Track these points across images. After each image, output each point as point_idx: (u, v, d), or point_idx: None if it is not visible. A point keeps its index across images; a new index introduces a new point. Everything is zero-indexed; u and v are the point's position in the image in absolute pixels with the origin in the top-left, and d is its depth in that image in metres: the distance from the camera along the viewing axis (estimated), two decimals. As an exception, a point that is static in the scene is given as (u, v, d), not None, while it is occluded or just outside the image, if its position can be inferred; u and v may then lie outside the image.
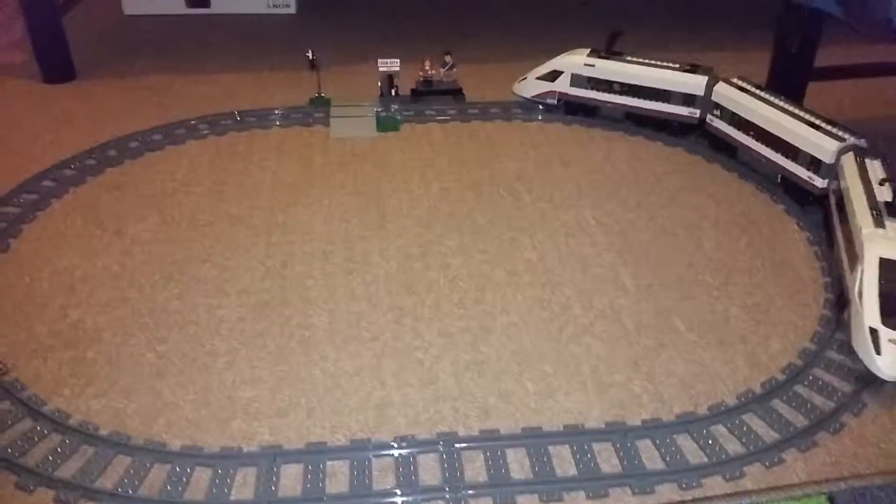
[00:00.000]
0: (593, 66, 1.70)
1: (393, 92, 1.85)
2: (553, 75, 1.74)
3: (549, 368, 1.10)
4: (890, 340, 1.04)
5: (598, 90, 1.72)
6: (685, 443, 1.00)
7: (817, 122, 1.44)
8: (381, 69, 1.84)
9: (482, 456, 0.97)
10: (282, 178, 1.57)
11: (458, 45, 1.92)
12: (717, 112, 1.59)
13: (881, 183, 1.27)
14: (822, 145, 1.39)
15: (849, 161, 1.34)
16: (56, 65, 1.97)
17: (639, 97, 1.68)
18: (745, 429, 1.02)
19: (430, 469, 0.96)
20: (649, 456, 0.98)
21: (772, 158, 1.49)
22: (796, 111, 1.48)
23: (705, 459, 0.98)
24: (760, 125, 1.50)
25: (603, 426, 1.01)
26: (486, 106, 1.83)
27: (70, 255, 1.33)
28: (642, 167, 1.60)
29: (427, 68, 1.86)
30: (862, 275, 1.10)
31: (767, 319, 1.21)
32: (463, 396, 1.06)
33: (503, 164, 1.61)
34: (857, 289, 1.10)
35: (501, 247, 1.36)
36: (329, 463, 0.97)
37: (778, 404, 1.06)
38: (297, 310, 1.22)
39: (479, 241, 1.38)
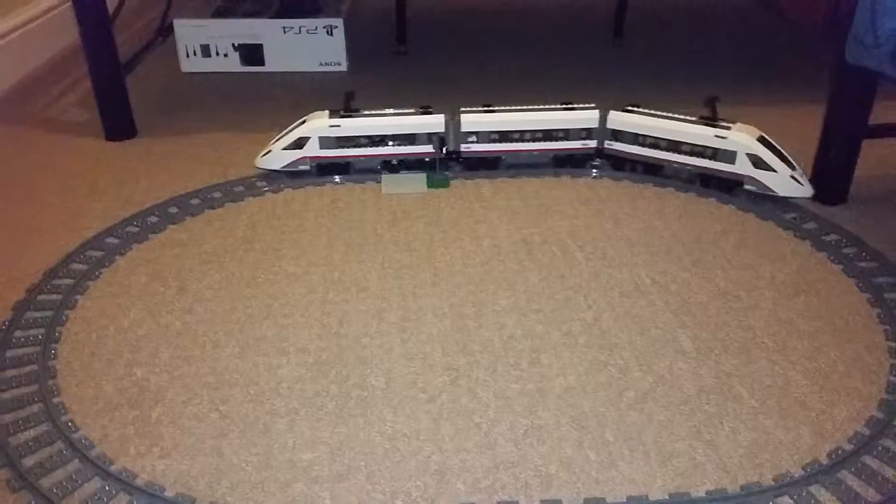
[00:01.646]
0: (339, 126, 1.78)
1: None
2: (300, 142, 1.79)
3: (610, 436, 1.09)
4: None
5: (348, 147, 1.80)
6: (752, 515, 0.98)
7: (717, 122, 1.69)
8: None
9: (544, 526, 0.97)
10: (336, 234, 1.61)
11: (503, 100, 1.95)
12: (617, 137, 1.76)
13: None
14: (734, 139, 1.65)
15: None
16: (118, 122, 2.06)
17: (393, 144, 1.81)
18: (812, 502, 0.99)
19: (491, 538, 0.96)
20: None
21: (688, 162, 1.71)
22: (694, 119, 1.72)
23: None
24: (670, 137, 1.71)
25: (667, 497, 1.00)
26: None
27: (134, 312, 1.37)
28: (695, 225, 1.60)
29: (477, 125, 1.90)
30: None
31: (830, 385, 1.19)
32: (523, 463, 1.06)
33: (554, 221, 1.63)
34: None
35: (555, 306, 1.37)
36: (391, 530, 0.97)
37: (846, 476, 1.03)
38: (353, 370, 1.24)
39: (533, 300, 1.39)
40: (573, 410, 1.14)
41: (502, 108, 1.81)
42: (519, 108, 1.80)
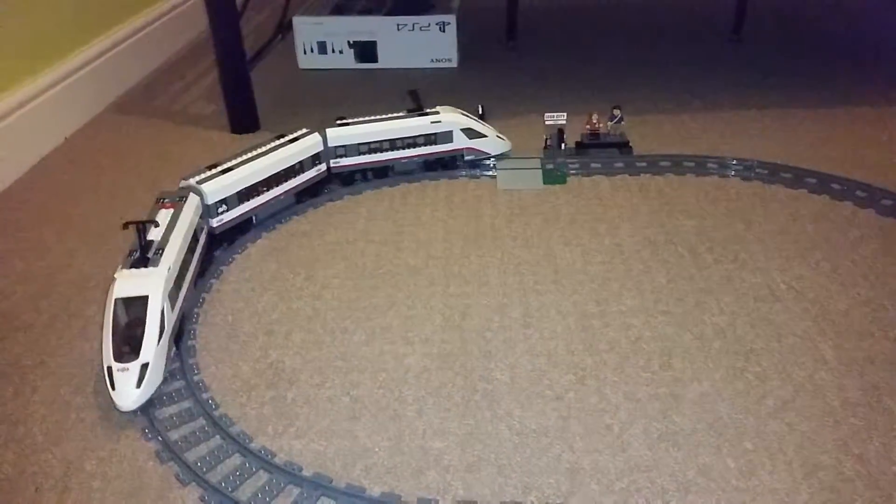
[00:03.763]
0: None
1: (562, 146, 1.87)
2: None
3: (750, 444, 1.05)
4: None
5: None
6: (909, 538, 0.92)
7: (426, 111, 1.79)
8: (547, 122, 1.87)
9: (684, 532, 0.94)
10: (454, 229, 1.62)
11: (619, 97, 1.92)
12: (342, 152, 1.74)
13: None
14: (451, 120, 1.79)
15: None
16: (243, 116, 2.14)
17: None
18: (979, 528, 0.93)
19: (628, 541, 0.94)
20: None
21: (416, 154, 1.79)
22: (404, 114, 1.78)
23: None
24: (393, 137, 1.76)
25: (815, 511, 0.95)
26: (654, 159, 1.81)
27: (267, 296, 1.42)
28: (832, 229, 1.52)
29: (594, 121, 1.87)
30: None
31: None
32: (658, 468, 1.03)
33: (679, 221, 1.58)
34: None
35: (686, 309, 1.33)
36: (526, 525, 0.96)
37: None
38: (478, 363, 1.24)
39: (661, 301, 1.35)
40: (710, 417, 1.10)
41: (364, 119, 1.78)
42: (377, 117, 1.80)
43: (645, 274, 1.43)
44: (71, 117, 2.22)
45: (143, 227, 1.27)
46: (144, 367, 1.14)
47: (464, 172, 1.83)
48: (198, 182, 1.51)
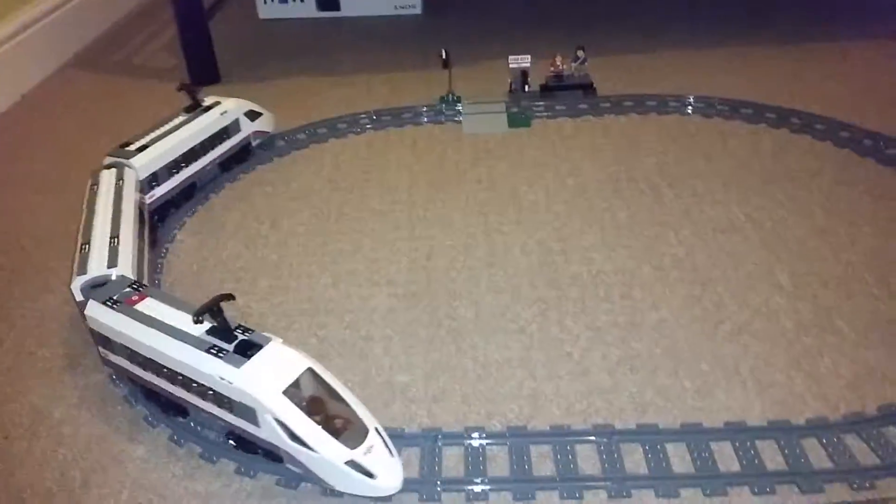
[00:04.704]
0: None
1: (525, 89, 1.86)
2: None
3: (706, 366, 1.09)
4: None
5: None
6: (854, 443, 0.96)
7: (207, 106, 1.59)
8: (511, 66, 1.86)
9: (641, 448, 0.97)
10: (419, 174, 1.62)
11: (585, 39, 1.91)
12: (154, 181, 1.44)
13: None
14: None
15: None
16: (203, 68, 2.10)
17: None
18: (920, 433, 0.97)
19: (588, 459, 0.97)
20: (816, 455, 0.95)
21: (216, 156, 1.59)
22: (188, 116, 1.56)
23: (878, 461, 0.94)
24: (191, 147, 1.52)
25: (766, 424, 0.99)
26: (618, 99, 1.82)
27: (231, 245, 1.42)
28: (791, 161, 1.55)
29: (558, 63, 1.87)
30: None
31: (938, 320, 1.14)
32: (616, 390, 1.06)
33: (641, 159, 1.60)
34: None
35: (645, 242, 1.35)
36: (488, 447, 0.99)
37: (956, 408, 1.00)
38: (443, 301, 1.26)
39: (622, 236, 1.37)
40: (667, 342, 1.14)
41: (151, 135, 1.49)
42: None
43: (606, 211, 1.45)
44: (27, 73, 2.16)
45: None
46: (377, 430, 0.94)
47: (426, 119, 1.83)
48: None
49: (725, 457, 0.96)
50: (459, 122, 1.81)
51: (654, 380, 1.07)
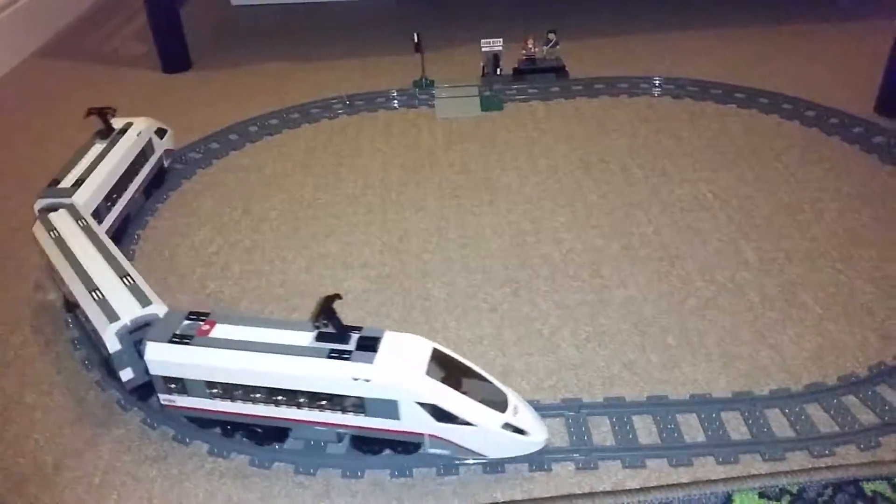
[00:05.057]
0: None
1: (497, 72, 1.87)
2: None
3: (673, 340, 1.11)
4: None
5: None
6: (815, 412, 0.99)
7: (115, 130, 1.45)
8: (483, 49, 1.86)
9: (608, 421, 0.99)
10: (392, 158, 1.62)
11: (559, 22, 1.92)
12: (97, 217, 1.29)
13: None
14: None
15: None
16: (175, 55, 2.09)
17: None
18: (878, 400, 0.99)
19: (557, 433, 0.99)
20: (778, 424, 0.97)
21: (143, 179, 1.47)
22: (101, 141, 1.42)
23: (837, 429, 0.96)
24: (121, 173, 1.39)
25: (730, 395, 1.01)
26: (590, 82, 1.83)
27: (204, 231, 1.42)
28: (758, 141, 1.57)
29: (530, 47, 1.87)
30: None
31: (898, 293, 1.17)
32: (585, 365, 1.08)
33: (612, 140, 1.61)
34: None
35: (615, 222, 1.37)
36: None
37: (914, 377, 1.03)
38: (416, 282, 1.27)
39: (592, 216, 1.39)
40: (634, 318, 1.15)
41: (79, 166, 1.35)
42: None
43: (577, 192, 1.46)
44: (-6, 63, 2.14)
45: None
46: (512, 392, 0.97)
47: (396, 103, 1.83)
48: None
49: (691, 428, 0.98)
50: (433, 106, 1.82)
51: (621, 355, 1.09)
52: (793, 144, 1.55)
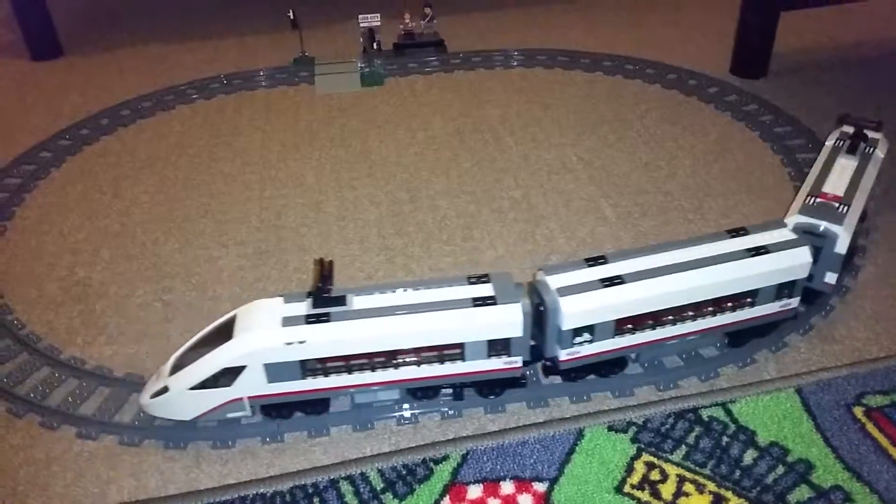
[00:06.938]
0: (304, 342, 0.92)
1: (375, 47, 1.88)
2: (226, 376, 0.93)
3: (535, 293, 1.16)
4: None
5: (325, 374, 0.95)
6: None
7: None
8: (361, 25, 1.87)
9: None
10: (271, 136, 1.62)
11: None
12: None
13: None
14: None
15: None
16: (43, 42, 2.00)
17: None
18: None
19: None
20: (631, 366, 1.05)
21: None
22: None
23: (681, 364, 1.04)
24: None
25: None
26: (467, 56, 1.87)
27: (72, 218, 1.38)
28: (622, 105, 1.65)
29: (407, 21, 1.90)
30: None
31: (742, 239, 1.26)
32: (454, 323, 1.12)
33: (486, 111, 1.66)
34: None
35: (486, 188, 1.41)
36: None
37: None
38: (293, 256, 1.28)
39: (465, 183, 1.43)
40: (501, 275, 1.20)
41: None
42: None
43: (452, 161, 1.50)
44: None
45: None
46: None
47: (275, 82, 1.82)
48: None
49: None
50: (313, 83, 1.82)
51: (487, 311, 1.14)
52: (653, 107, 1.64)
